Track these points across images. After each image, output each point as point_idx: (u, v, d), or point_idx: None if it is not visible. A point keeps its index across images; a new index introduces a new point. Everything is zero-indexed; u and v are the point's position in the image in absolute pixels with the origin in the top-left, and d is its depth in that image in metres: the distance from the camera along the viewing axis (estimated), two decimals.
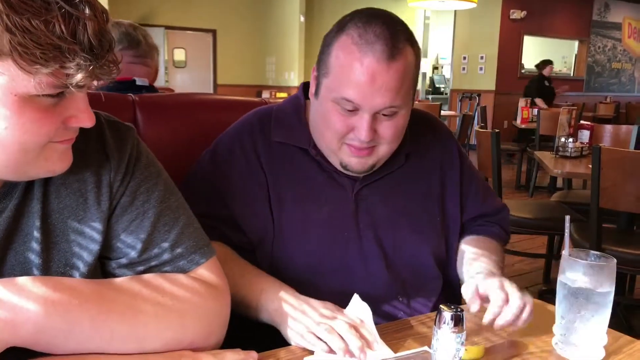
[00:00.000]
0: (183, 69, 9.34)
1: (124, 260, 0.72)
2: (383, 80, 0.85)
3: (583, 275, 0.76)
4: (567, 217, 0.83)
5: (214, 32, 9.16)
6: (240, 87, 9.11)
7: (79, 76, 0.55)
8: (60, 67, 0.54)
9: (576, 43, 10.25)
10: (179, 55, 9.32)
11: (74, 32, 0.54)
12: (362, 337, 0.76)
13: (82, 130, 0.66)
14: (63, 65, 0.54)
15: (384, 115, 0.89)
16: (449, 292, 1.04)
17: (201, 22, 8.87)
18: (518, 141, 6.26)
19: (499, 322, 0.80)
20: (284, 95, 7.27)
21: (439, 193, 1.05)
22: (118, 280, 0.68)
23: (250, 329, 0.90)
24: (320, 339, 0.76)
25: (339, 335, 0.75)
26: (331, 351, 0.74)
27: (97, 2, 0.57)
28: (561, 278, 0.79)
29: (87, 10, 0.55)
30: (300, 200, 0.97)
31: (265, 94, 7.26)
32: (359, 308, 0.82)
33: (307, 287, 0.88)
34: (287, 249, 0.95)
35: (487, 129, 2.91)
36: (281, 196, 0.97)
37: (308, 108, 1.02)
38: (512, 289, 0.83)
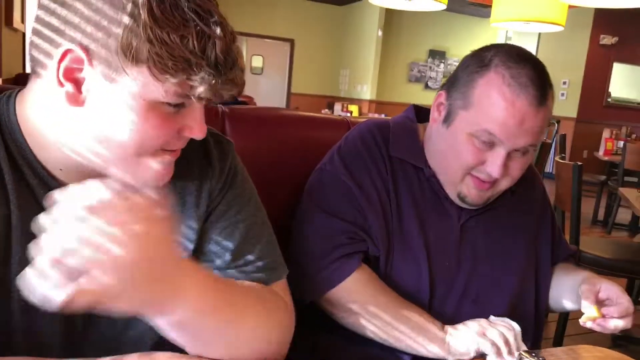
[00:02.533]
0: (259, 75, 9.61)
1: (210, 265, 0.75)
2: (530, 124, 0.87)
3: None
4: None
5: (292, 42, 9.38)
6: (313, 96, 9.25)
7: (202, 89, 0.59)
8: (186, 78, 0.58)
9: None
10: (257, 62, 9.61)
11: (204, 48, 0.58)
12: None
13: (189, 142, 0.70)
14: (189, 77, 0.58)
15: (518, 152, 0.90)
16: (538, 331, 1.03)
17: (280, 31, 9.11)
18: (599, 173, 5.93)
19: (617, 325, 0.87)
20: (355, 107, 7.29)
21: (535, 234, 1.04)
22: (240, 284, 0.71)
23: None
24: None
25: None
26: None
27: (227, 23, 0.61)
28: None
29: (218, 30, 0.59)
30: (412, 221, 0.96)
31: (337, 105, 7.32)
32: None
33: None
34: (399, 265, 0.95)
35: (566, 159, 2.77)
36: (399, 211, 0.97)
37: (420, 131, 1.03)
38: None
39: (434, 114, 0.98)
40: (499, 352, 0.82)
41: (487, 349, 0.82)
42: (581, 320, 0.87)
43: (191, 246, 0.73)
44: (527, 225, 1.04)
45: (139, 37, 0.56)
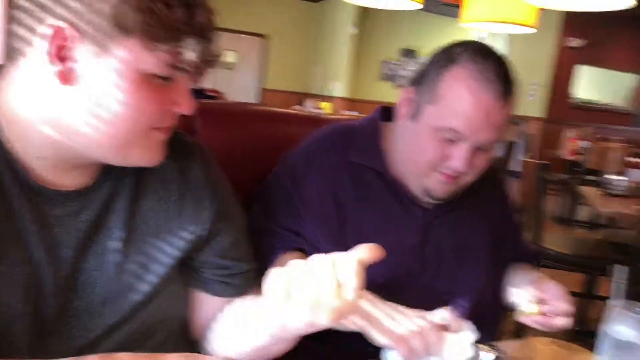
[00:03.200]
0: (232, 71, 9.51)
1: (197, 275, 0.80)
2: (495, 119, 0.89)
3: (632, 330, 0.75)
4: (623, 269, 0.82)
5: (265, 37, 9.31)
6: (285, 93, 9.21)
7: (191, 56, 0.62)
8: (176, 46, 0.60)
9: (633, 76, 9.92)
10: (230, 57, 9.50)
11: (191, 16, 0.61)
12: None
13: (171, 145, 0.72)
14: (178, 45, 0.61)
15: (481, 148, 0.92)
16: (499, 326, 1.06)
17: (254, 26, 9.02)
18: (562, 173, 6.10)
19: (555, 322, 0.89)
20: (327, 105, 7.30)
21: (497, 232, 1.07)
22: None
23: None
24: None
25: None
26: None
27: None
28: (607, 329, 0.78)
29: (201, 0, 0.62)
30: (371, 224, 0.98)
31: (309, 102, 7.31)
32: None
33: None
34: None
35: (532, 158, 2.85)
36: (354, 218, 0.97)
37: (384, 132, 1.04)
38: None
39: (401, 110, 0.99)
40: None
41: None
42: (518, 315, 0.90)
43: (177, 254, 0.75)
44: (490, 224, 1.07)
45: (129, 8, 0.57)
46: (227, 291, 0.82)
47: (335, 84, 9.16)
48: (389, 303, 0.83)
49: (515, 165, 4.17)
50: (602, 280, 2.81)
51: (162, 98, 0.65)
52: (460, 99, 0.88)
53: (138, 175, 0.73)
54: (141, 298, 0.71)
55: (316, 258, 0.60)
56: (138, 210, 0.73)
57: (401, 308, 0.82)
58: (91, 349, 0.67)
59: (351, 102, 8.72)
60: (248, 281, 0.83)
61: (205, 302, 0.82)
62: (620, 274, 0.81)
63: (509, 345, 0.96)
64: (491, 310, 1.04)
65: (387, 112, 1.07)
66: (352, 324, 0.82)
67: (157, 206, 0.74)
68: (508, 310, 1.06)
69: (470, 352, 0.73)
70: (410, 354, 0.75)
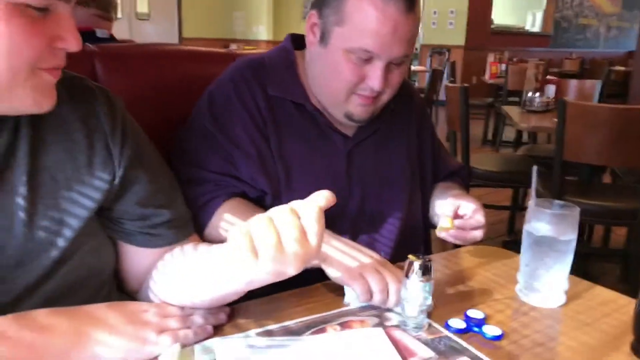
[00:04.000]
0: (147, 21, 8.96)
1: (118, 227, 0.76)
2: (403, 31, 0.87)
3: (547, 224, 0.79)
4: (535, 168, 0.84)
5: None
6: (207, 40, 8.82)
7: None
8: None
9: None
10: (142, 6, 8.91)
11: None
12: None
13: (71, 92, 0.68)
14: None
15: (394, 64, 0.91)
16: (427, 247, 1.08)
17: None
18: (486, 96, 6.32)
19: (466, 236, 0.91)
20: (252, 49, 7.08)
21: (418, 151, 1.09)
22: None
23: None
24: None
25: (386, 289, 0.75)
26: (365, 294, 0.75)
27: None
28: (526, 227, 0.81)
29: None
30: (298, 155, 0.96)
31: (233, 47, 7.07)
32: None
33: None
34: (287, 202, 0.94)
35: (456, 84, 2.91)
36: (281, 150, 0.95)
37: (298, 61, 1.01)
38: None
39: (309, 37, 0.96)
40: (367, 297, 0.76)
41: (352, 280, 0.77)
42: (436, 231, 0.92)
43: (91, 204, 0.71)
44: (408, 141, 1.08)
45: None
46: (152, 242, 0.78)
47: (259, 28, 8.89)
48: (342, 239, 0.83)
49: (441, 94, 4.26)
50: (528, 193, 2.99)
51: (42, 32, 0.59)
52: (367, 17, 0.86)
53: (35, 125, 0.67)
54: (58, 255, 0.67)
55: (275, 209, 0.61)
56: (42, 163, 0.67)
57: (353, 244, 0.82)
58: (12, 309, 0.63)
59: (276, 44, 8.52)
60: (178, 230, 0.80)
61: (134, 255, 0.79)
62: (534, 175, 0.84)
63: (440, 256, 0.99)
64: (419, 228, 1.06)
65: (298, 41, 1.03)
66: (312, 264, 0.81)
67: (63, 157, 0.69)
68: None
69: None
70: (366, 290, 0.75)
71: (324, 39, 0.92)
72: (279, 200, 0.94)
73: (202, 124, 0.97)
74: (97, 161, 0.71)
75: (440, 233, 0.91)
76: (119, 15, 8.81)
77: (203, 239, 0.88)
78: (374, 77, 0.89)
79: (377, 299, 0.75)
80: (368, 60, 0.89)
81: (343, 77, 0.91)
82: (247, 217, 0.86)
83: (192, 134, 0.98)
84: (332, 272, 0.79)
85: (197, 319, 0.69)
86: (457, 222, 0.91)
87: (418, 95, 1.16)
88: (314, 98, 0.99)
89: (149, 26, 8.88)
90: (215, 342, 0.65)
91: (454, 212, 0.93)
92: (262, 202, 0.95)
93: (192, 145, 0.97)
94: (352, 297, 0.77)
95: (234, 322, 0.71)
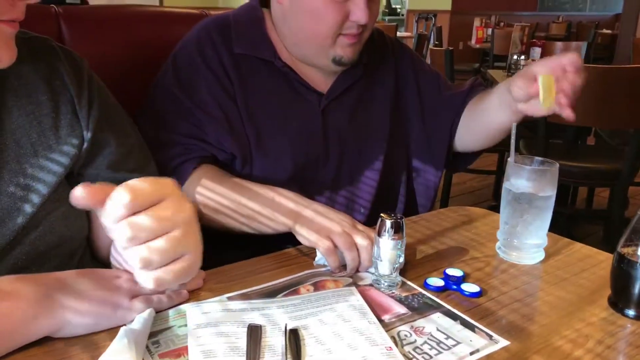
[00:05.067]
0: None
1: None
2: None
3: (526, 181, 0.77)
4: (514, 124, 0.82)
5: None
6: (189, 8, 8.63)
7: None
8: None
9: None
10: None
11: None
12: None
13: (33, 52, 0.65)
14: None
15: None
16: (411, 207, 1.06)
17: None
18: (473, 61, 6.27)
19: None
20: None
21: (396, 102, 1.05)
22: None
23: None
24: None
25: (355, 249, 0.73)
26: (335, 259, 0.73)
27: None
28: (506, 184, 0.80)
29: None
30: (270, 115, 0.94)
31: None
32: None
33: None
34: (262, 164, 0.92)
35: (441, 48, 2.87)
36: (250, 110, 0.92)
37: (266, 20, 0.98)
38: None
39: None
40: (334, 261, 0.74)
41: (324, 248, 0.75)
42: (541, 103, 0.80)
43: (60, 170, 0.68)
44: (385, 94, 1.04)
45: None
46: None
47: None
48: (312, 202, 0.82)
49: (427, 60, 4.21)
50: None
51: None
52: None
53: None
54: (25, 221, 0.65)
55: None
56: (4, 128, 0.65)
57: (324, 207, 0.80)
58: None
59: None
60: None
61: None
62: (513, 132, 0.82)
63: (421, 216, 0.98)
64: (400, 182, 1.04)
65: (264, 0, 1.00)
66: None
67: (27, 122, 0.66)
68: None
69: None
70: (332, 250, 0.73)
71: None
72: (249, 163, 0.92)
73: (167, 86, 0.94)
74: (64, 125, 0.69)
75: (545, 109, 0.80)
76: None
77: None
78: (359, 10, 0.88)
79: (347, 259, 0.73)
80: None
81: (327, 18, 0.88)
82: (217, 186, 0.86)
83: (159, 96, 0.95)
84: (301, 236, 0.78)
85: None
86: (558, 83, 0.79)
87: (392, 39, 1.11)
88: (285, 54, 0.96)
89: None
90: (188, 307, 0.64)
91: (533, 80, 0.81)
92: (232, 165, 0.93)
93: (159, 108, 0.94)
94: (323, 259, 0.76)
95: (209, 286, 0.70)
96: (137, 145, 0.79)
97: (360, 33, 0.92)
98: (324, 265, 0.76)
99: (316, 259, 0.77)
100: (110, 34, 1.08)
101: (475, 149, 1.10)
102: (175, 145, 0.90)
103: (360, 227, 0.78)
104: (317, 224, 0.77)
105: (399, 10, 11.27)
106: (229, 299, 0.66)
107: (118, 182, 0.73)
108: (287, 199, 0.82)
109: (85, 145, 0.70)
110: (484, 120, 1.00)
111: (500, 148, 2.85)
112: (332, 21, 0.88)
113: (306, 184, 0.93)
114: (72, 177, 0.71)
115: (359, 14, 0.88)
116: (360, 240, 0.73)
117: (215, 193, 0.87)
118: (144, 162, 0.79)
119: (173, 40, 1.01)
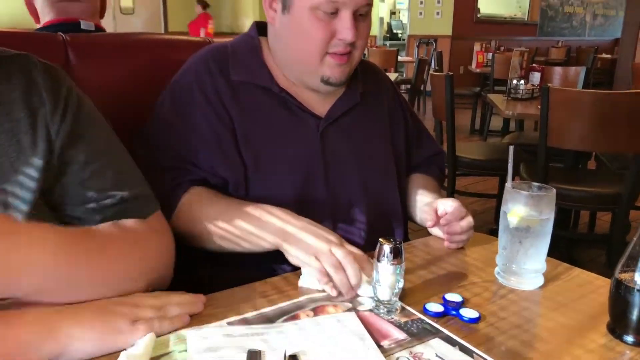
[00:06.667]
0: (131, 15, 8.86)
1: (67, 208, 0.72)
2: None
3: (524, 206, 0.78)
4: (511, 148, 0.83)
5: None
6: (192, 36, 8.75)
7: None
8: None
9: None
10: (126, 1, 8.82)
11: None
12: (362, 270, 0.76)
13: (9, 71, 0.66)
14: None
15: (360, 15, 0.91)
16: (405, 226, 1.08)
17: None
18: (474, 86, 6.33)
19: (455, 229, 0.92)
20: None
21: (389, 135, 1.08)
22: (93, 228, 0.70)
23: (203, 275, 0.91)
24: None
25: (343, 269, 0.74)
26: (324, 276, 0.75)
27: None
28: (504, 209, 0.80)
29: None
30: (268, 140, 0.95)
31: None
32: None
33: None
34: (260, 189, 0.93)
35: (441, 73, 2.90)
36: (248, 136, 0.94)
37: (263, 46, 1.00)
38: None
39: (269, 14, 0.96)
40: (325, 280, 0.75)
41: (313, 268, 0.76)
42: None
43: (34, 185, 0.67)
44: (380, 121, 1.07)
45: None
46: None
47: (245, 20, 8.82)
48: (302, 220, 0.83)
49: (428, 84, 4.26)
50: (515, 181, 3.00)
51: None
52: None
53: None
54: None
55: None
56: None
57: (313, 226, 0.82)
58: None
59: None
60: (129, 213, 0.74)
61: None
62: (511, 155, 0.83)
63: (420, 241, 0.99)
64: (397, 211, 1.05)
65: (264, 28, 1.02)
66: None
67: (6, 141, 0.66)
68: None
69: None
70: (321, 271, 0.75)
71: (285, 6, 0.92)
72: (243, 188, 0.93)
73: (163, 113, 0.96)
74: (40, 140, 0.68)
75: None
76: None
77: (171, 226, 0.87)
78: (344, 28, 0.89)
79: (335, 280, 0.74)
80: (334, 13, 0.89)
81: (313, 36, 0.90)
82: (206, 208, 0.88)
83: (155, 122, 0.97)
84: (290, 255, 0.80)
85: (173, 308, 0.68)
86: (448, 228, 0.94)
87: (385, 76, 1.15)
88: (282, 80, 0.98)
89: (134, 20, 8.79)
90: (188, 332, 0.64)
91: (435, 216, 0.94)
92: (225, 189, 0.94)
93: (154, 134, 0.96)
94: (308, 281, 0.77)
95: (209, 311, 0.70)
96: (115, 164, 0.76)
97: (349, 53, 0.93)
98: (310, 290, 0.76)
99: (300, 280, 0.78)
100: (116, 60, 1.11)
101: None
102: (167, 171, 0.91)
103: (348, 245, 0.79)
104: (304, 243, 0.78)
105: (400, 35, 11.43)
106: (229, 324, 0.67)
107: (88, 201, 0.72)
108: (274, 217, 0.83)
109: (54, 160, 0.69)
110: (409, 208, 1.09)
111: (501, 173, 2.88)
112: (318, 39, 0.90)
113: (304, 208, 0.94)
114: (50, 196, 0.70)
115: (345, 32, 0.89)
116: (343, 259, 0.75)
117: (203, 215, 0.88)
118: (122, 182, 0.75)
119: (177, 67, 1.03)
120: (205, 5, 8.34)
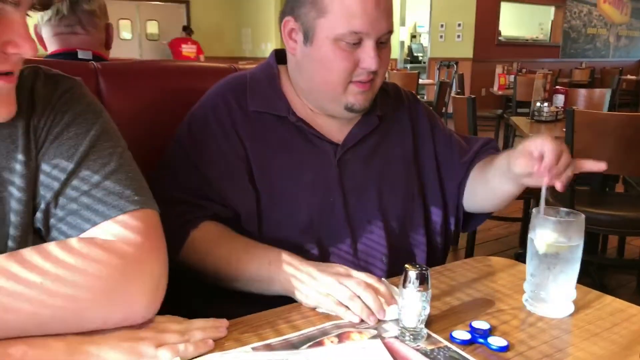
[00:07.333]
0: (156, 42, 9.11)
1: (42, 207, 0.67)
2: (385, 4, 0.90)
3: (552, 232, 0.77)
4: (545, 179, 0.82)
5: (187, 3, 8.94)
6: (217, 58, 8.94)
7: None
8: None
9: (552, 9, 10.26)
10: (152, 28, 9.09)
11: None
12: (378, 294, 0.76)
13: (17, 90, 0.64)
14: None
15: (381, 43, 0.92)
16: (431, 255, 1.05)
17: None
18: (496, 108, 6.29)
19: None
20: None
21: (413, 156, 1.06)
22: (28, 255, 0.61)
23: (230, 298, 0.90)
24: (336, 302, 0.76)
25: (359, 297, 0.75)
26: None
27: None
28: (531, 235, 0.79)
29: None
30: (284, 169, 0.95)
31: (242, 65, 7.14)
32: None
33: (298, 255, 0.87)
34: (275, 219, 0.93)
35: (463, 95, 2.90)
36: (264, 167, 0.94)
37: (282, 76, 1.01)
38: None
39: (289, 45, 0.97)
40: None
41: (329, 307, 0.76)
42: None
43: (20, 194, 0.66)
44: (402, 146, 1.05)
45: None
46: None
47: (267, 45, 8.98)
48: (303, 263, 0.83)
49: (450, 107, 4.25)
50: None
51: None
52: (348, 0, 0.88)
53: None
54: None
55: None
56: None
57: (313, 269, 0.81)
58: None
59: None
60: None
61: None
62: (545, 185, 0.82)
63: (445, 267, 0.97)
64: (419, 235, 1.04)
65: (282, 56, 1.04)
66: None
67: (3, 150, 0.66)
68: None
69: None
70: (338, 305, 0.75)
71: (307, 37, 0.93)
72: (256, 219, 0.93)
73: (180, 143, 0.98)
74: (32, 145, 0.67)
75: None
76: (129, 36, 8.98)
77: (179, 259, 0.88)
78: (368, 57, 0.90)
79: (355, 310, 0.74)
80: (357, 44, 0.90)
81: (337, 67, 0.91)
82: (215, 246, 0.88)
83: (171, 153, 0.99)
84: (304, 303, 0.80)
85: (197, 333, 0.68)
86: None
87: (406, 91, 1.13)
88: (300, 108, 0.99)
89: (159, 45, 9.03)
90: (213, 357, 0.64)
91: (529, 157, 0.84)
92: (237, 221, 0.94)
93: (171, 164, 0.98)
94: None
95: (233, 336, 0.70)
96: (100, 184, 0.68)
97: (371, 80, 0.94)
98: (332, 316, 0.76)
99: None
100: (145, 87, 1.14)
101: (483, 211, 1.11)
102: (180, 204, 0.92)
103: (355, 273, 0.79)
104: (314, 291, 0.78)
105: (420, 58, 11.48)
106: (254, 349, 0.66)
107: (67, 214, 0.66)
108: (282, 264, 0.84)
109: (34, 169, 0.67)
110: (488, 187, 1.02)
111: (526, 196, 2.83)
112: (342, 69, 0.91)
113: (322, 235, 0.94)
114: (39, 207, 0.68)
115: (368, 61, 0.90)
116: (355, 289, 0.75)
117: (209, 257, 0.89)
118: (105, 207, 0.67)
119: (203, 93, 1.06)
120: (189, 32, 8.65)
